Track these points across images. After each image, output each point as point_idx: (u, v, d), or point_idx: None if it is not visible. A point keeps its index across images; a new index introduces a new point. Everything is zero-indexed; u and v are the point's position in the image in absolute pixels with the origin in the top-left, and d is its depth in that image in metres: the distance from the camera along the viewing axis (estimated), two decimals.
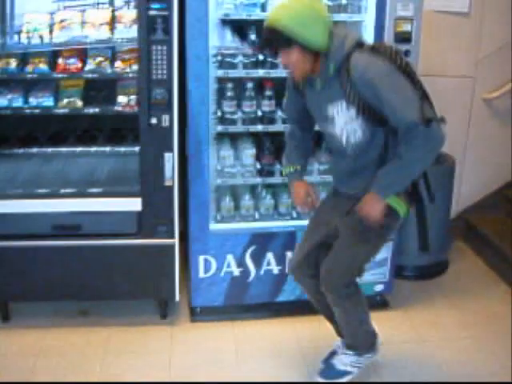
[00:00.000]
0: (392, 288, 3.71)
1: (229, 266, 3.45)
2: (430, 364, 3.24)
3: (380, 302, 3.71)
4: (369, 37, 3.20)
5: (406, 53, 3.17)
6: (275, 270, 3.49)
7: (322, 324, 3.23)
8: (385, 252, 3.53)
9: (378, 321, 3.31)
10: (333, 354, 3.05)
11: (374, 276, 3.61)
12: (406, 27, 3.18)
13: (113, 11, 3.25)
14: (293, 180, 2.90)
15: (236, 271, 3.47)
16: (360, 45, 2.52)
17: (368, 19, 3.23)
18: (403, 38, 3.18)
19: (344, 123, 2.56)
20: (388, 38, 3.16)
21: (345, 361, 2.98)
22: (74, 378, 3.04)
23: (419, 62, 3.28)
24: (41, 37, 3.21)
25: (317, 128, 2.88)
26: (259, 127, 3.39)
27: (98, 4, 3.29)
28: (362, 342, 2.98)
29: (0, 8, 3.27)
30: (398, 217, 2.70)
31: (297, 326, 3.53)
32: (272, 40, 2.46)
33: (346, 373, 2.98)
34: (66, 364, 3.17)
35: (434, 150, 2.50)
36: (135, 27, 3.10)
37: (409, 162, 2.49)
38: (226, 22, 3.28)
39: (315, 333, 3.45)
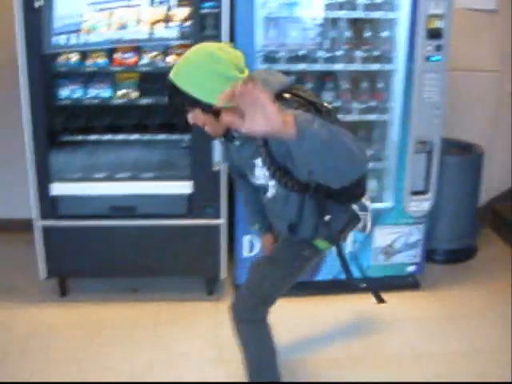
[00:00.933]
0: (423, 270, 3.99)
1: None
2: (456, 337, 3.52)
3: (411, 283, 3.98)
4: (402, 33, 3.50)
5: (438, 48, 3.46)
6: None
7: (358, 301, 3.58)
8: (417, 234, 3.83)
9: (409, 300, 3.62)
10: None
11: (407, 258, 3.89)
12: (438, 24, 3.45)
13: (168, 9, 3.57)
14: (261, 235, 2.93)
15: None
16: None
17: (402, 17, 3.50)
18: (435, 34, 3.45)
19: (263, 178, 2.39)
20: (420, 34, 3.44)
21: None
22: (127, 348, 3.36)
23: (449, 57, 3.55)
24: (98, 34, 3.55)
25: None
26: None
27: (153, 3, 3.59)
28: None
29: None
30: (319, 251, 2.64)
31: (333, 303, 3.83)
32: (173, 100, 2.22)
33: None
34: (120, 335, 3.48)
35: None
36: (187, 24, 3.43)
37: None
38: (270, 20, 3.58)
39: (351, 309, 3.75)
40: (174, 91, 2.15)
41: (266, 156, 2.23)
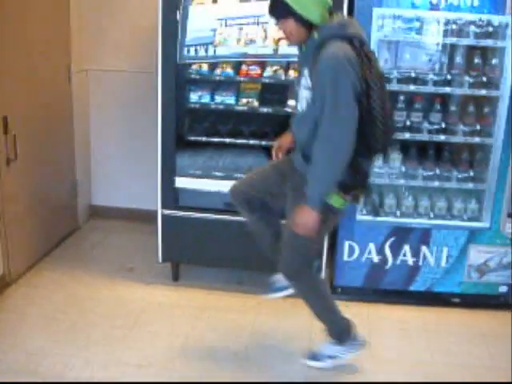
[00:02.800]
0: None
1: (370, 253, 4.08)
2: None
3: (503, 302, 4.17)
4: (509, 61, 3.79)
5: None
6: (410, 261, 4.09)
7: (448, 315, 3.96)
8: (510, 255, 4.06)
9: (498, 319, 3.87)
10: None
11: (499, 278, 4.12)
12: None
13: None
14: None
15: (375, 258, 4.09)
16: (348, 39, 2.84)
17: (509, 45, 3.77)
18: None
19: (302, 86, 2.98)
20: None
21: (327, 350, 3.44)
22: (226, 332, 3.78)
23: None
24: (228, 47, 4.05)
25: None
26: (407, 135, 4.03)
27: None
28: (333, 328, 3.41)
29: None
30: (333, 208, 3.04)
31: (425, 313, 4.10)
32: (273, 8, 2.91)
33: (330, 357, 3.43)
34: (221, 319, 3.92)
35: (339, 149, 2.84)
36: None
37: (323, 162, 2.86)
38: (384, 42, 3.96)
39: (441, 321, 4.02)
40: (276, 4, 2.88)
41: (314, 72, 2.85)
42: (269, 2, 2.93)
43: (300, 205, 2.94)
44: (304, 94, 2.97)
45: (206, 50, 3.97)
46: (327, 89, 2.78)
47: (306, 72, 2.94)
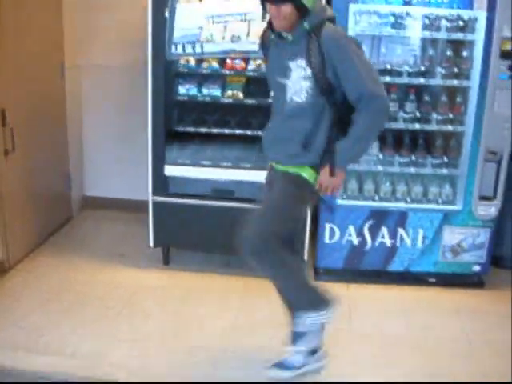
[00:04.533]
0: (488, 270, 4.51)
1: (350, 235, 4.40)
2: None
3: (477, 282, 4.51)
4: (478, 53, 4.11)
5: (510, 67, 4.05)
6: (388, 242, 4.40)
7: (425, 293, 4.30)
8: (483, 237, 4.38)
9: (472, 296, 4.19)
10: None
11: (473, 257, 4.44)
12: (510, 46, 4.01)
13: None
14: None
15: (355, 240, 4.40)
16: (333, 21, 3.07)
17: (478, 38, 4.10)
18: (507, 54, 4.03)
19: (297, 78, 2.99)
20: (494, 54, 4.04)
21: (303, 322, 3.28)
22: (214, 311, 4.07)
23: None
24: (213, 43, 4.34)
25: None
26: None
27: (264, 18, 4.35)
28: (306, 300, 3.29)
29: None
30: (310, 184, 3.13)
31: (403, 292, 4.41)
32: None
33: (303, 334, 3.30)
34: (209, 299, 4.22)
35: (385, 119, 3.10)
36: None
37: (368, 129, 2.99)
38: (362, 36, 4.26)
39: (418, 299, 4.33)
40: None
41: (316, 56, 2.93)
42: None
43: (324, 166, 3.06)
44: (302, 85, 3.00)
45: (194, 48, 4.22)
46: (353, 62, 2.92)
47: (300, 62, 2.98)
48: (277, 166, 3.25)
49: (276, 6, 2.90)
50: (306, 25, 2.95)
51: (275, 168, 3.27)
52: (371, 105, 2.94)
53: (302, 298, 3.31)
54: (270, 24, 3.10)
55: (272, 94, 3.40)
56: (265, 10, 3.05)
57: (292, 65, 3.02)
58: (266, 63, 3.34)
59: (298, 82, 3.02)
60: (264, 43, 3.25)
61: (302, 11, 2.92)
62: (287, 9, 2.89)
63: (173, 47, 4.28)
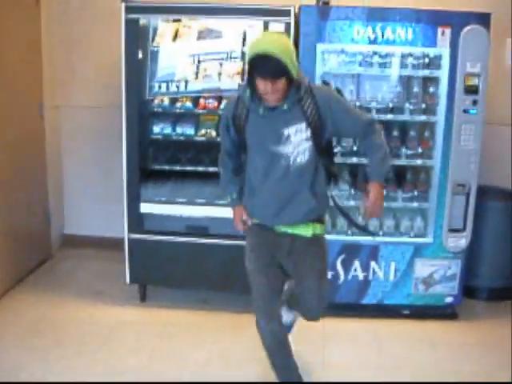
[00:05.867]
0: (460, 301, 4.61)
1: None
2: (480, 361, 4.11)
3: (450, 313, 4.61)
4: (443, 89, 4.28)
5: (474, 102, 4.22)
6: (361, 276, 4.51)
7: (399, 325, 4.42)
8: (455, 268, 4.50)
9: (445, 327, 4.31)
10: None
11: (445, 289, 4.54)
12: (475, 81, 4.21)
13: (244, 64, 4.44)
14: (232, 206, 3.59)
15: (328, 274, 4.51)
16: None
17: (443, 74, 4.28)
18: (471, 90, 4.21)
19: (298, 142, 3.15)
20: (458, 90, 4.20)
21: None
22: (190, 345, 4.16)
23: (485, 110, 4.28)
24: (188, 83, 4.51)
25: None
26: (354, 159, 4.47)
27: (232, 58, 4.52)
28: None
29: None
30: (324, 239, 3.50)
31: (377, 325, 4.50)
32: (272, 68, 2.96)
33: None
34: (185, 334, 4.31)
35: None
36: None
37: (384, 145, 3.32)
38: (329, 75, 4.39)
39: (391, 331, 4.43)
40: (277, 63, 2.95)
41: (314, 116, 3.15)
42: (266, 63, 2.97)
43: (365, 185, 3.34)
44: (305, 146, 3.17)
45: (178, 87, 4.47)
46: (347, 107, 3.29)
47: (300, 126, 3.15)
48: (283, 228, 3.34)
49: (272, 82, 3.00)
50: (301, 92, 3.13)
51: (279, 231, 3.35)
52: (373, 127, 3.31)
53: None
54: (251, 98, 3.16)
55: (252, 161, 3.33)
56: (252, 89, 3.11)
57: (289, 131, 3.16)
58: (240, 133, 3.30)
59: (301, 145, 3.18)
60: (236, 116, 3.27)
61: (291, 80, 3.07)
62: (281, 82, 3.02)
63: (152, 86, 4.49)
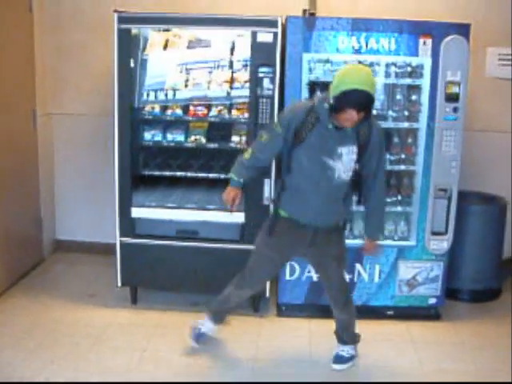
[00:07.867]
0: (443, 302, 4.79)
1: (309, 271, 4.67)
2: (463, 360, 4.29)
3: (433, 314, 4.80)
4: (425, 97, 4.48)
5: (455, 109, 4.41)
6: (346, 277, 4.67)
7: (383, 326, 4.66)
8: (437, 270, 4.68)
9: (430, 329, 4.47)
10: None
11: (428, 290, 4.73)
12: (455, 89, 4.40)
13: (232, 73, 4.65)
14: (233, 186, 3.90)
15: (314, 277, 4.66)
16: None
17: (425, 83, 4.47)
18: (452, 97, 4.40)
19: (349, 160, 3.63)
20: (439, 97, 4.40)
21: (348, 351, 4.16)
22: (178, 345, 4.30)
23: (465, 117, 4.48)
24: (177, 91, 4.68)
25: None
26: None
27: (221, 67, 4.70)
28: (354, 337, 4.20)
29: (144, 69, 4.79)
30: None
31: (361, 326, 4.58)
32: (368, 105, 3.48)
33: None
34: (174, 335, 4.45)
35: None
36: (247, 85, 4.50)
37: (384, 200, 4.09)
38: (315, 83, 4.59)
39: (376, 332, 4.59)
40: (370, 101, 3.46)
41: (364, 145, 3.65)
42: (362, 99, 3.42)
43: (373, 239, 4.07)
44: (352, 166, 3.68)
45: (166, 95, 4.66)
46: (384, 152, 3.87)
47: (352, 148, 3.63)
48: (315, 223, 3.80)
49: (359, 114, 3.43)
50: (368, 123, 3.62)
51: (309, 225, 3.80)
52: (384, 184, 3.95)
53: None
54: (329, 117, 3.55)
55: (302, 168, 3.70)
56: (335, 113, 3.50)
57: (343, 150, 3.62)
58: (297, 139, 3.64)
59: (350, 164, 3.66)
60: (303, 123, 3.62)
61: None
62: (360, 114, 3.45)
63: (142, 94, 4.67)
